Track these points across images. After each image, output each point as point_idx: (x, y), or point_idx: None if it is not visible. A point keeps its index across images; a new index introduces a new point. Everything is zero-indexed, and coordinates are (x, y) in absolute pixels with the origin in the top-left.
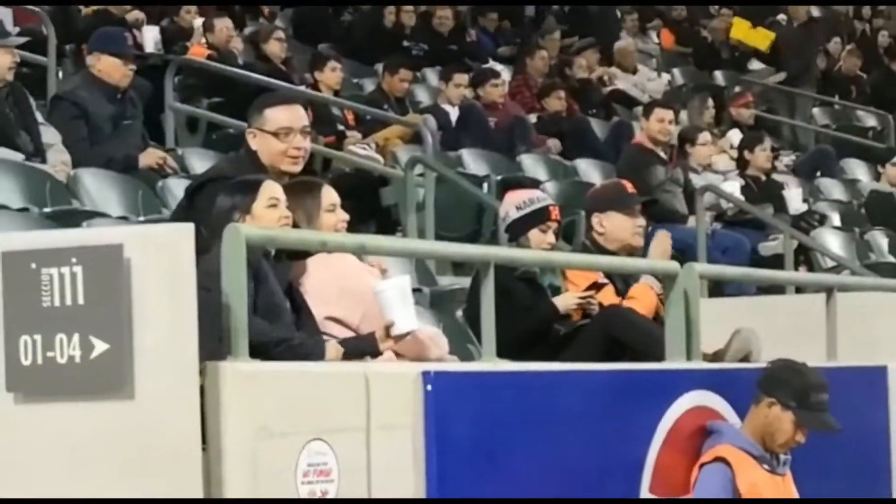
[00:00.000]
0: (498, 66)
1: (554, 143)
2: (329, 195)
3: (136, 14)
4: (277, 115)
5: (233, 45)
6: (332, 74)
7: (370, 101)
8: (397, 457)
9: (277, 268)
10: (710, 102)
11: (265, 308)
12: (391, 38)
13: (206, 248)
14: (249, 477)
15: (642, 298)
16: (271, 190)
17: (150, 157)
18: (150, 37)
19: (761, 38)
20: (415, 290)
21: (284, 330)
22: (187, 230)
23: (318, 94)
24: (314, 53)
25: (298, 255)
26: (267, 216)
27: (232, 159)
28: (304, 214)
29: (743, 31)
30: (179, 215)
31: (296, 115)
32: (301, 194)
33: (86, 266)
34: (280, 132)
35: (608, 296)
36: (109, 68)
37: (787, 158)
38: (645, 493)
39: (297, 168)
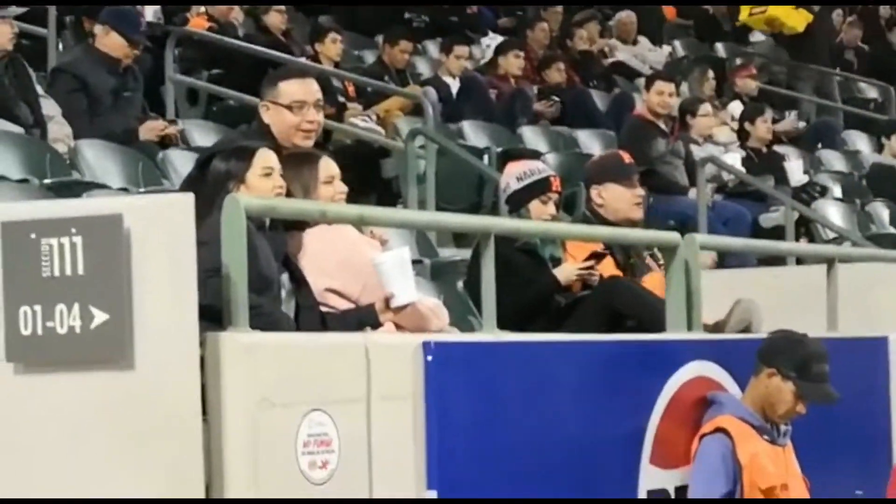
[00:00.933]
0: (498, 38)
1: (548, 110)
2: (327, 167)
3: None
4: (291, 88)
5: (233, 16)
6: (332, 46)
7: (371, 73)
8: (398, 427)
9: (274, 238)
10: (711, 74)
11: (252, 279)
12: (392, 10)
13: (203, 214)
14: (250, 447)
15: (654, 286)
16: (265, 159)
17: (149, 130)
18: (151, 7)
19: (801, 19)
20: (416, 262)
21: (261, 300)
22: (187, 200)
23: (318, 65)
24: (314, 25)
25: (295, 226)
26: (261, 185)
27: (244, 132)
28: (300, 186)
29: (784, 10)
30: (189, 186)
31: (310, 89)
32: (298, 166)
33: (85, 236)
34: (294, 105)
35: (608, 267)
36: (114, 44)
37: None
38: (645, 464)
39: (310, 142)
